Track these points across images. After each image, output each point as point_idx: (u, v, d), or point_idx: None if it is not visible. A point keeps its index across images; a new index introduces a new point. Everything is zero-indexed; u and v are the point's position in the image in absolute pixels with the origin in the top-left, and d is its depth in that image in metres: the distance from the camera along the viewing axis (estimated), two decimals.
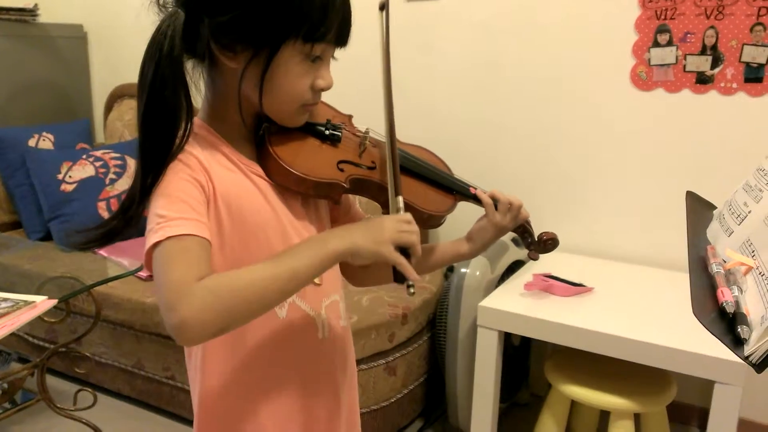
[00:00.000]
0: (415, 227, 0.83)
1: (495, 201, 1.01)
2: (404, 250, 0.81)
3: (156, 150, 0.79)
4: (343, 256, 0.78)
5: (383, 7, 0.98)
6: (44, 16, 3.02)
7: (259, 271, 0.74)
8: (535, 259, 1.14)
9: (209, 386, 0.89)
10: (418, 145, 1.05)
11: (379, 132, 0.99)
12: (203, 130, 0.86)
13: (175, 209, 0.76)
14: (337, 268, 0.96)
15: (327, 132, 0.92)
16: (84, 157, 2.62)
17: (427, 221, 0.98)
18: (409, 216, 0.84)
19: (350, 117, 1.00)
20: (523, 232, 1.08)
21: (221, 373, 0.88)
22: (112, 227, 0.83)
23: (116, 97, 3.02)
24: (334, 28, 0.82)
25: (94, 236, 0.84)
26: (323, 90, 0.86)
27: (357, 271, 1.03)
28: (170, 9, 0.80)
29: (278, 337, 0.88)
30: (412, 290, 0.81)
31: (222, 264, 0.83)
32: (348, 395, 0.99)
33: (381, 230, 0.80)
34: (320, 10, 0.79)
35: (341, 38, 0.84)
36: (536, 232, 1.10)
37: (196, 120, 0.87)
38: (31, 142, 2.70)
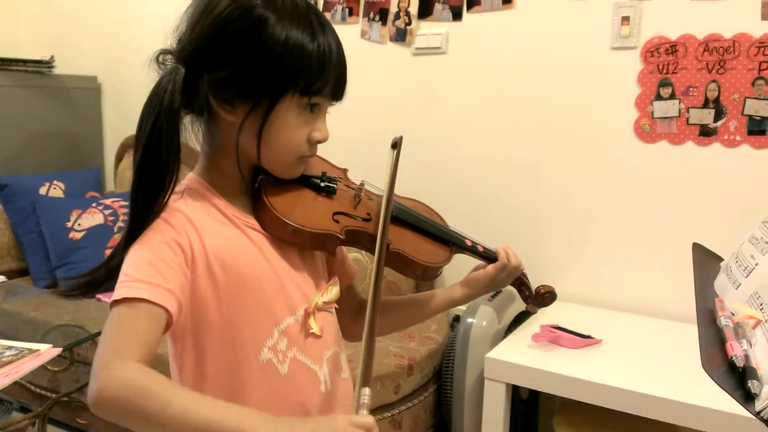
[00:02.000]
0: None
1: (507, 262, 1.03)
2: None
3: (147, 201, 0.79)
4: None
5: (395, 145, 1.02)
6: (60, 68, 3.10)
7: (181, 405, 0.67)
8: (534, 312, 1.15)
9: None
10: (415, 198, 1.06)
11: (374, 185, 1.00)
12: (198, 185, 0.87)
13: (141, 271, 0.75)
14: (335, 320, 0.96)
15: (322, 184, 0.93)
16: (93, 205, 2.65)
17: (424, 273, 0.98)
18: (369, 421, 0.71)
19: (345, 171, 1.01)
20: (519, 285, 1.09)
21: None
22: (96, 276, 0.83)
23: (127, 146, 3.07)
24: (331, 83, 0.84)
25: (78, 284, 0.84)
26: (319, 142, 0.88)
27: (350, 324, 1.03)
28: (170, 65, 0.82)
29: (281, 393, 0.86)
30: None
31: (219, 320, 0.82)
32: None
33: None
34: (317, 65, 0.81)
35: (337, 93, 0.86)
36: (535, 285, 1.11)
37: (191, 175, 0.88)
38: (42, 190, 2.73)
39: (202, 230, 0.81)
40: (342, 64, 0.85)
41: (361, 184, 0.99)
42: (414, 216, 1.01)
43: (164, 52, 0.84)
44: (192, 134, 0.87)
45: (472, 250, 1.04)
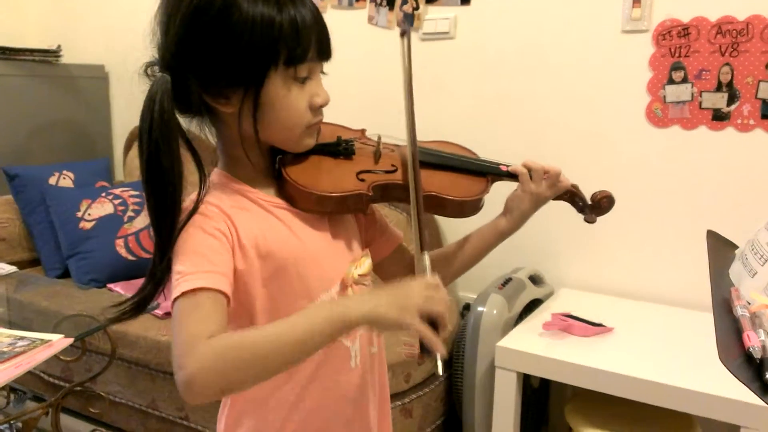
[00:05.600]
0: (443, 293, 0.77)
1: (529, 170, 1.00)
2: (433, 321, 0.75)
3: (164, 214, 0.80)
4: (362, 322, 0.74)
5: (404, 33, 1.00)
6: (67, 57, 3.09)
7: (270, 333, 0.73)
8: (592, 222, 1.09)
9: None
10: (441, 140, 1.05)
11: (391, 136, 1.00)
12: (223, 178, 0.88)
13: (191, 263, 0.77)
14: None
15: (339, 148, 0.93)
16: (103, 194, 2.65)
17: (463, 209, 0.96)
18: (437, 280, 0.78)
19: (363, 131, 1.01)
20: (571, 197, 1.06)
21: (254, 410, 0.90)
22: (145, 294, 0.84)
23: (136, 136, 3.06)
24: (312, 46, 0.83)
25: (129, 307, 0.85)
26: (321, 106, 0.87)
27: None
28: (157, 75, 0.82)
29: (314, 371, 0.88)
30: (439, 366, 0.74)
31: (262, 299, 0.84)
32: (383, 423, 1.00)
33: (406, 297, 0.74)
34: (292, 33, 0.81)
35: (322, 53, 0.86)
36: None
37: (215, 170, 0.90)
38: (52, 180, 2.74)
39: (234, 218, 0.83)
40: (319, 24, 0.84)
41: (378, 138, 0.99)
42: (439, 155, 0.99)
43: (150, 64, 0.85)
44: (209, 135, 0.89)
45: (510, 174, 1.01)
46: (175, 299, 0.75)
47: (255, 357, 0.71)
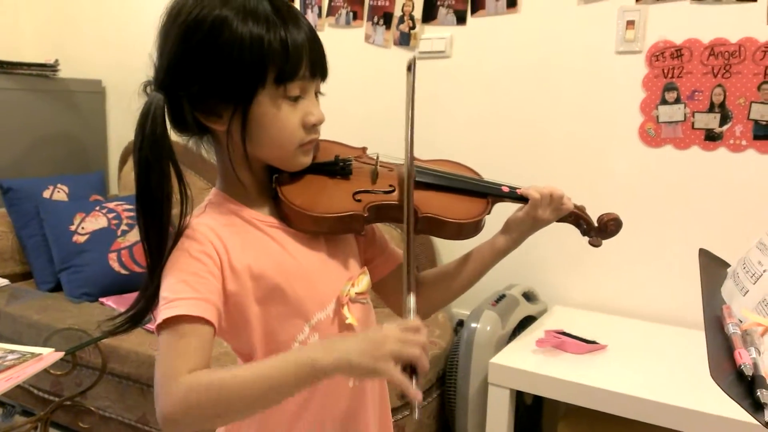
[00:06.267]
0: (422, 336, 0.74)
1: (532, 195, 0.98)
2: (410, 365, 0.72)
3: (152, 232, 0.81)
4: (333, 372, 0.72)
5: (410, 68, 1.00)
6: (64, 71, 3.10)
7: (239, 375, 0.72)
8: (597, 245, 1.05)
9: None
10: (443, 159, 1.03)
11: (391, 155, 0.99)
12: (219, 198, 0.88)
13: (174, 290, 0.77)
14: (370, 312, 0.95)
15: (335, 167, 0.92)
16: (97, 208, 2.65)
17: (461, 231, 0.94)
18: (417, 323, 0.75)
19: (364, 149, 1.00)
20: (576, 220, 1.03)
21: (256, 421, 0.89)
22: (138, 309, 0.84)
23: (132, 150, 3.07)
24: (304, 64, 0.83)
25: (122, 321, 0.85)
26: (315, 125, 0.86)
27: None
28: (151, 94, 0.83)
29: (310, 390, 0.87)
30: (415, 415, 0.71)
31: (257, 319, 0.84)
32: None
33: (380, 343, 0.72)
34: (281, 52, 0.81)
35: (315, 71, 0.85)
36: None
37: (214, 189, 0.90)
38: (46, 193, 2.73)
39: (226, 239, 0.83)
40: (312, 43, 0.84)
41: (376, 157, 0.98)
42: (438, 175, 0.97)
43: (147, 83, 0.85)
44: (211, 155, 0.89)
45: (512, 196, 0.98)
46: (159, 325, 0.76)
47: (221, 398, 0.71)
